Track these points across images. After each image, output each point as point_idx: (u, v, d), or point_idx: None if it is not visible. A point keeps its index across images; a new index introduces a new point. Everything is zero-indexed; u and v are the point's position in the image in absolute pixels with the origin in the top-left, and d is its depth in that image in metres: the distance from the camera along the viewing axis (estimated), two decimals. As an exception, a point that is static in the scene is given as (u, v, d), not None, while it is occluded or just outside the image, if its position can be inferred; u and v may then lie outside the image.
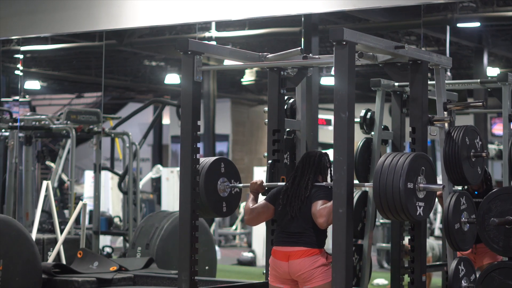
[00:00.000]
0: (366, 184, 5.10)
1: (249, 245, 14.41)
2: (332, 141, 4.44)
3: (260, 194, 5.07)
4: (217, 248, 10.62)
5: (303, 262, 4.63)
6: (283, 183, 4.94)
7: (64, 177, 12.02)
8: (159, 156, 22.02)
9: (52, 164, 11.54)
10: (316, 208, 4.64)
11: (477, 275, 4.90)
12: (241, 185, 5.28)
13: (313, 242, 4.66)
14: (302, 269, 4.63)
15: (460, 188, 5.58)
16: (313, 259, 4.63)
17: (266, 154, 5.40)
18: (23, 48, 12.39)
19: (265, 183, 5.07)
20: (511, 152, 5.56)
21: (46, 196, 7.90)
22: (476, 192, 5.91)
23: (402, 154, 4.42)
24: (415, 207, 4.38)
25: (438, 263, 8.89)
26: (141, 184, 12.46)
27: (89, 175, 15.23)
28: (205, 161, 5.17)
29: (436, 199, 4.91)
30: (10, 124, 9.78)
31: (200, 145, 5.05)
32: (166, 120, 21.93)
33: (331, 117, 14.99)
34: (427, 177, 4.46)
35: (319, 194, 4.69)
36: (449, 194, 4.83)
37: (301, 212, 4.69)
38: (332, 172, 4.62)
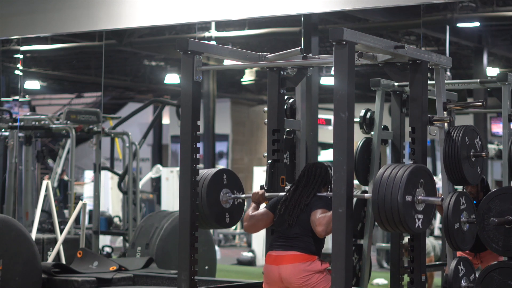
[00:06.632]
0: (365, 195, 5.10)
1: (249, 245, 14.41)
2: (331, 141, 4.44)
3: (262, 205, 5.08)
4: (216, 248, 10.63)
5: (296, 268, 4.59)
6: (285, 193, 4.92)
7: (65, 177, 12.03)
8: (158, 156, 22.02)
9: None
10: (315, 217, 4.63)
11: (477, 275, 4.90)
12: (243, 195, 5.29)
13: (307, 248, 4.64)
14: (294, 275, 4.60)
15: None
16: (306, 265, 4.60)
17: (265, 153, 5.40)
18: (23, 48, 12.39)
19: (267, 194, 5.09)
20: (511, 152, 5.56)
21: (46, 196, 7.90)
22: (474, 202, 5.91)
23: (401, 166, 4.40)
24: (413, 220, 4.36)
25: (438, 262, 8.90)
26: (141, 184, 12.46)
27: (88, 174, 15.24)
28: (207, 172, 5.18)
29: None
30: (10, 124, 9.79)
31: (200, 145, 5.05)
32: (165, 120, 21.93)
33: (330, 117, 15.01)
34: (426, 189, 4.43)
35: (319, 203, 4.69)
36: (448, 194, 4.84)
37: (299, 219, 4.69)
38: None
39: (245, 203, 5.51)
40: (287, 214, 4.73)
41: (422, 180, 4.41)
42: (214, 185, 5.16)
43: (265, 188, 5.22)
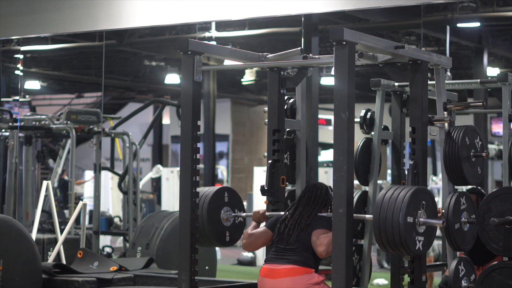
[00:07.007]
0: (366, 216, 5.10)
1: (249, 245, 14.38)
2: (332, 141, 4.44)
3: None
4: (217, 248, 10.63)
5: (295, 281, 4.58)
6: (285, 212, 4.93)
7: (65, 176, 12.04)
8: (159, 156, 22.03)
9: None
10: (317, 236, 4.65)
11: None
12: (244, 214, 5.30)
13: (305, 261, 4.64)
14: None
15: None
16: (304, 278, 4.60)
17: (266, 154, 5.40)
18: (23, 48, 12.40)
19: (267, 213, 5.11)
20: (511, 152, 5.56)
21: (46, 196, 7.89)
22: None
23: (403, 188, 4.40)
24: (414, 241, 4.36)
25: (438, 262, 8.90)
26: (141, 184, 12.46)
27: (89, 175, 15.23)
28: (208, 190, 5.19)
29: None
30: (10, 124, 9.79)
31: (200, 145, 5.06)
32: (166, 120, 21.94)
33: (331, 117, 14.99)
34: (427, 211, 4.43)
35: (321, 223, 4.71)
36: (449, 194, 4.84)
37: (299, 237, 4.69)
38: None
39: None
40: (286, 233, 4.73)
41: (423, 202, 4.41)
42: (215, 203, 5.17)
43: (266, 187, 5.22)
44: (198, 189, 5.07)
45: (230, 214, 5.25)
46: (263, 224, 5.02)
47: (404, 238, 4.28)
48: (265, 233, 4.90)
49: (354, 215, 4.52)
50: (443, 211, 4.76)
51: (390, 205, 4.32)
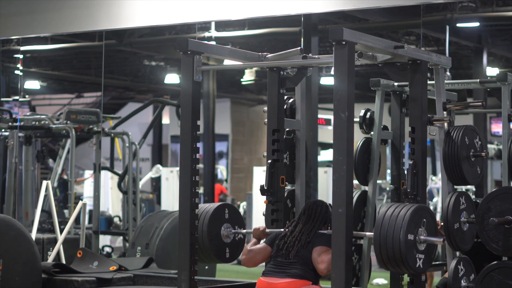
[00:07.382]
0: (367, 233, 5.11)
1: (249, 245, 14.37)
2: (331, 141, 4.44)
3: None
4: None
5: None
6: (284, 229, 4.93)
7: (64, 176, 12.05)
8: (158, 156, 22.02)
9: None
10: (318, 254, 4.66)
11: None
12: (244, 231, 5.31)
13: (303, 275, 4.63)
14: None
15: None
16: None
17: (265, 153, 5.40)
18: (23, 48, 12.40)
19: (267, 230, 5.11)
20: (511, 151, 5.56)
21: (46, 196, 7.90)
22: None
23: (403, 206, 4.40)
24: (414, 259, 4.35)
25: (437, 262, 8.89)
26: (140, 183, 12.47)
27: (88, 174, 15.24)
28: (209, 206, 5.20)
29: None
30: (10, 124, 9.80)
31: (199, 145, 5.06)
32: (165, 120, 21.93)
33: (330, 117, 15.01)
34: (428, 229, 4.42)
35: (321, 240, 4.72)
36: (448, 193, 4.84)
37: (298, 254, 4.70)
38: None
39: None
40: (285, 249, 4.74)
41: (424, 219, 4.41)
42: (216, 219, 5.18)
43: (265, 187, 5.23)
44: (198, 206, 5.08)
45: (230, 231, 5.26)
46: (263, 241, 5.02)
47: (405, 255, 4.28)
48: (265, 249, 4.90)
49: (354, 232, 4.52)
50: (442, 223, 4.76)
51: (391, 223, 4.32)
